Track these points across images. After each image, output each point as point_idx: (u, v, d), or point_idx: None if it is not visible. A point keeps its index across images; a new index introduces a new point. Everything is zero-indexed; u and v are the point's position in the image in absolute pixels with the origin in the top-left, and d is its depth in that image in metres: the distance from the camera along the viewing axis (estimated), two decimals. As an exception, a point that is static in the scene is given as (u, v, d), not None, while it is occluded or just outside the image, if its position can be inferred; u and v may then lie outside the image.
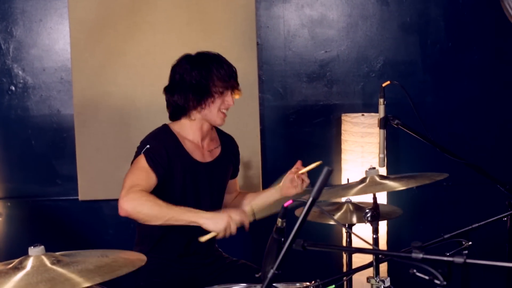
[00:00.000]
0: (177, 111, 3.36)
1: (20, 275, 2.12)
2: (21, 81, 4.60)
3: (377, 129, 4.41)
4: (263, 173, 4.65)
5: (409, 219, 4.28)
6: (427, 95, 4.76)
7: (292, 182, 3.35)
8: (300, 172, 3.33)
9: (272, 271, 1.88)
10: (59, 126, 4.64)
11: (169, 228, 3.23)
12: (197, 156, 3.37)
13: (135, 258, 2.29)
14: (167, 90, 3.37)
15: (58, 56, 4.61)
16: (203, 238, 3.07)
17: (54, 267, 2.16)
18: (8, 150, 4.65)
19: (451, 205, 4.84)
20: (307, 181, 3.34)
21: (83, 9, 4.51)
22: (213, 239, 3.24)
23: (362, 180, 2.72)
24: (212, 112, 3.31)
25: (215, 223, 3.00)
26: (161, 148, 3.24)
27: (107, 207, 4.68)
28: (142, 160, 3.20)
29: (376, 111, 4.50)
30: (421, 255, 1.83)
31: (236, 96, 3.38)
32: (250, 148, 4.52)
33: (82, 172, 4.59)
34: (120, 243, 4.47)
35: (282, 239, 2.13)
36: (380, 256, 2.69)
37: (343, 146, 4.61)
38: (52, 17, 4.59)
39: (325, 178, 1.86)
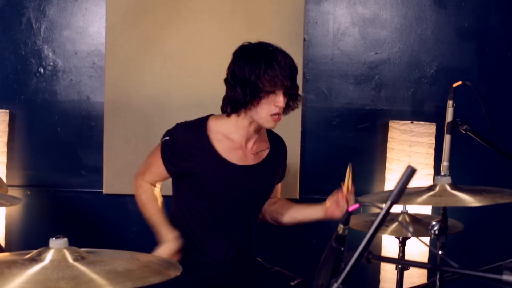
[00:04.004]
0: (226, 104, 3.04)
1: (36, 268, 1.82)
2: (51, 63, 4.33)
3: (427, 138, 4.16)
4: (301, 178, 4.35)
5: (467, 235, 3.90)
6: (480, 105, 4.41)
7: (338, 204, 3.06)
8: (344, 184, 3.03)
9: (336, 285, 1.58)
10: (88, 114, 4.36)
11: (208, 233, 3.09)
12: (234, 157, 3.06)
13: (169, 267, 1.98)
14: (224, 80, 3.05)
15: (91, 40, 4.34)
16: None
17: (77, 264, 1.85)
18: (32, 136, 4.38)
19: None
20: (352, 203, 3.02)
21: (121, -9, 4.24)
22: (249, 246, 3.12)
23: (430, 188, 2.38)
24: (259, 114, 2.96)
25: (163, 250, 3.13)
26: (179, 145, 3.04)
27: (133, 202, 4.34)
28: (158, 149, 3.13)
29: (426, 119, 4.26)
30: (515, 278, 1.53)
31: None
32: (289, 151, 4.18)
33: (109, 164, 4.31)
34: (143, 242, 4.18)
35: (342, 249, 1.85)
36: (445, 275, 2.37)
37: (388, 155, 4.29)
38: (88, -2, 4.33)
39: (407, 179, 1.56)
